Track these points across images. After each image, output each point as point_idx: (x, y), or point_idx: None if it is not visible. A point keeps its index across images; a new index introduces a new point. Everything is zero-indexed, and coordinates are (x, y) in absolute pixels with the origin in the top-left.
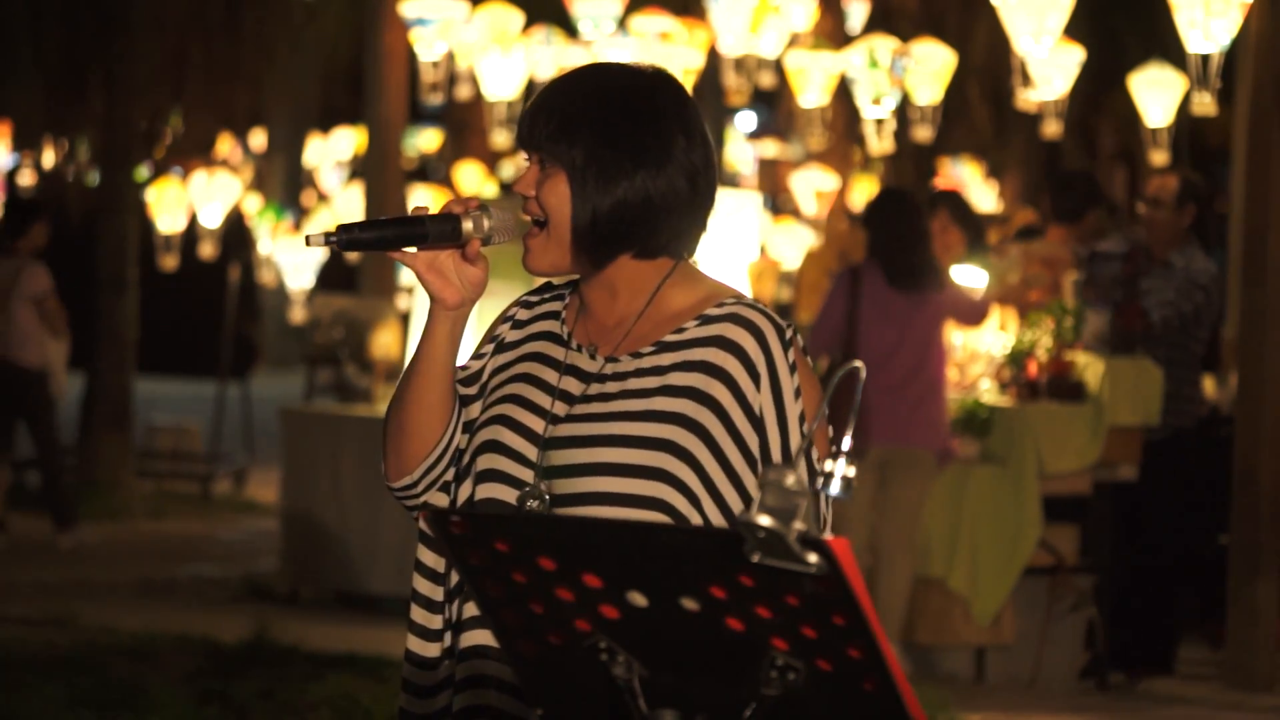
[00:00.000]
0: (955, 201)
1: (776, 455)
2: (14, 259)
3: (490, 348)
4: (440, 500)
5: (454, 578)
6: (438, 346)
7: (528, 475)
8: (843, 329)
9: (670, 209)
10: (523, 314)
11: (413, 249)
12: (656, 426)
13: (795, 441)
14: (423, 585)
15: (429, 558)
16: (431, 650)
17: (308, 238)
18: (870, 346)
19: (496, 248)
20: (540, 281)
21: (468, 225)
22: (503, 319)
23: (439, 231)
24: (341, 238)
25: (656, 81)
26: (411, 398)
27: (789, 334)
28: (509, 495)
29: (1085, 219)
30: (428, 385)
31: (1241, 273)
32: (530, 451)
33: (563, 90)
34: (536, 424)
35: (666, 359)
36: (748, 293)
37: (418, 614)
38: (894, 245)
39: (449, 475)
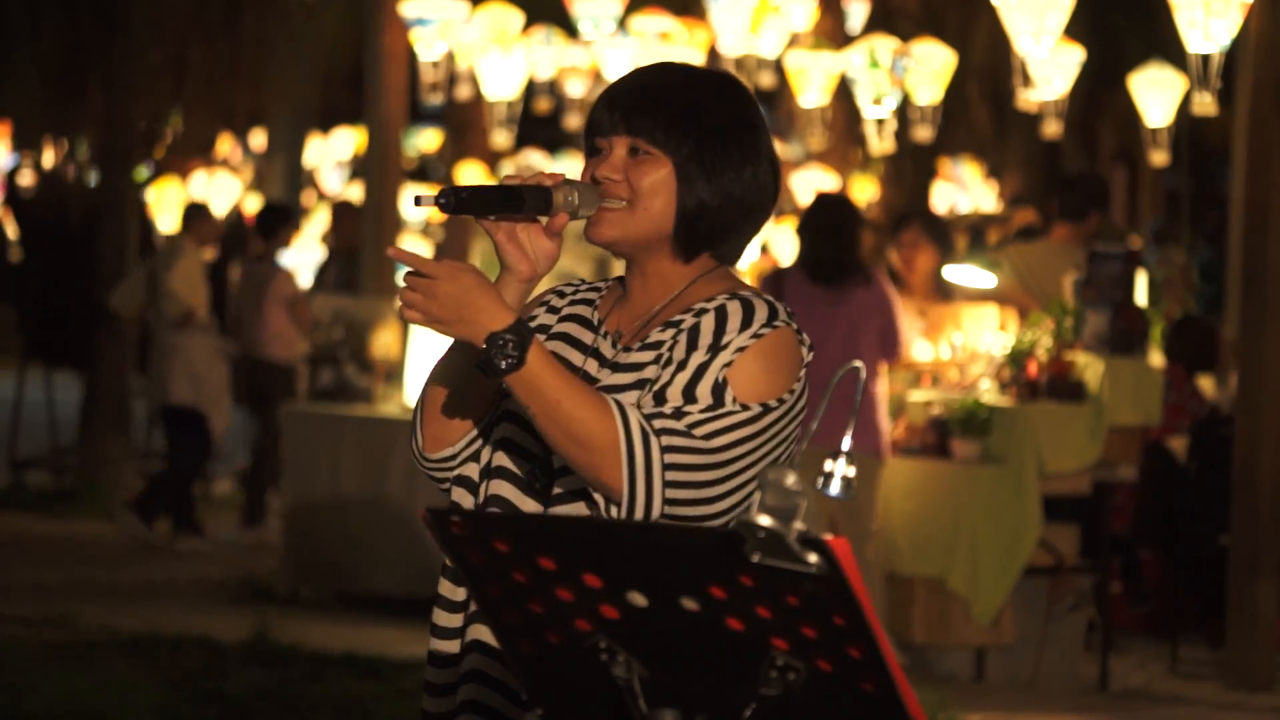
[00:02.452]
0: (927, 218)
1: (676, 390)
2: (265, 262)
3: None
4: (474, 473)
5: None
6: None
7: (538, 447)
8: None
9: (760, 206)
10: (557, 301)
11: (492, 218)
12: (639, 395)
13: (702, 386)
14: (445, 587)
15: None
16: (453, 648)
17: (417, 199)
18: None
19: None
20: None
21: (559, 198)
22: (538, 303)
23: (533, 202)
24: (451, 200)
25: (737, 82)
26: (467, 366)
27: (780, 319)
28: (518, 465)
29: (1089, 218)
30: None
31: (1241, 273)
32: None
33: (659, 83)
34: None
35: (667, 334)
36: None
37: (440, 616)
38: (816, 240)
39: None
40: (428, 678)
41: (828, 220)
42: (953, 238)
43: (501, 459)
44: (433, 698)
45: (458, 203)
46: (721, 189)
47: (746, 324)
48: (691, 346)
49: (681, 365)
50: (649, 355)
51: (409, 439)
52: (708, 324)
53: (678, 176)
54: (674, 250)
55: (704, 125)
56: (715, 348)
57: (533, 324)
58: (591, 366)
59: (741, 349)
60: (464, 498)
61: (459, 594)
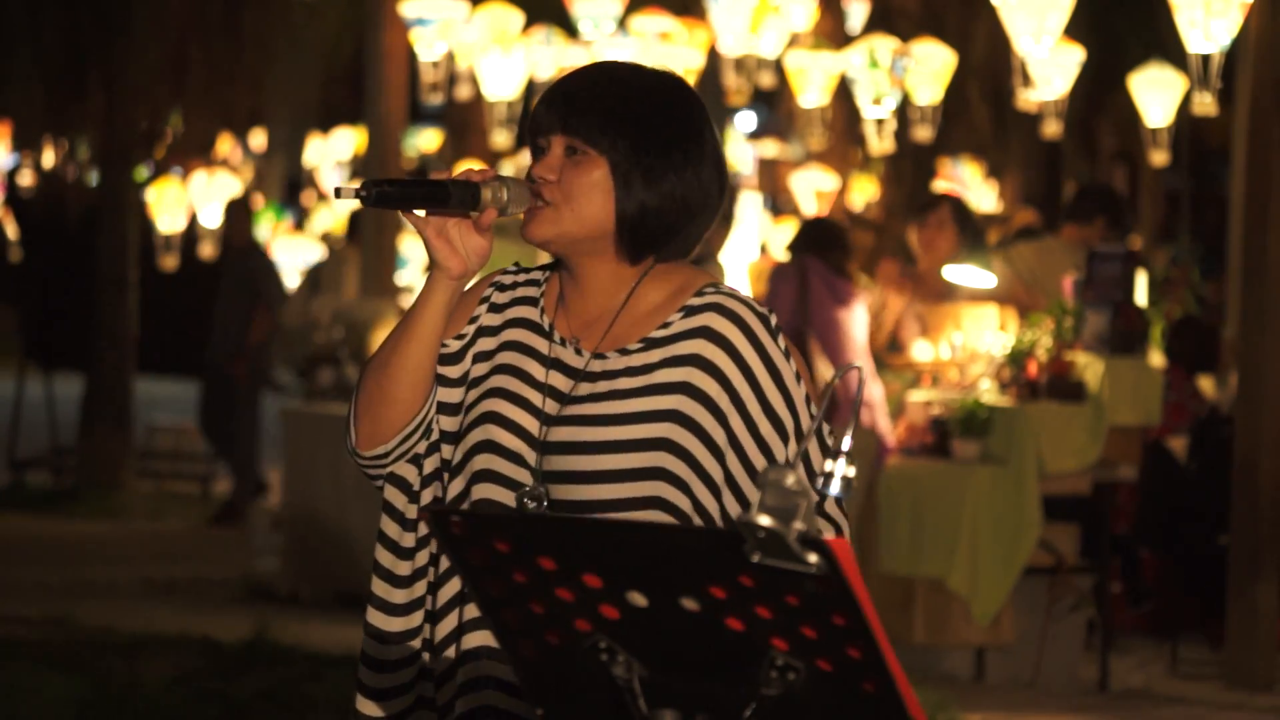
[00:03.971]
0: (957, 204)
1: (793, 439)
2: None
3: (471, 329)
4: (408, 472)
5: (420, 557)
6: (433, 314)
7: (524, 476)
8: (794, 310)
9: (704, 207)
10: (498, 296)
11: (423, 213)
12: (650, 427)
13: (806, 424)
14: (390, 529)
15: (399, 500)
16: (397, 596)
17: (338, 190)
18: (821, 324)
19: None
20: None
21: (486, 194)
22: (479, 299)
23: (460, 197)
24: (371, 192)
25: (681, 82)
26: (398, 363)
27: (774, 321)
28: (505, 496)
29: (1095, 222)
30: (416, 352)
31: (1241, 273)
32: (526, 452)
33: (598, 82)
34: (530, 422)
35: (655, 355)
36: (748, 293)
37: (384, 557)
38: (825, 251)
39: (420, 448)
40: (369, 620)
41: (819, 243)
42: (980, 228)
43: (483, 491)
44: (373, 701)
45: (379, 195)
46: (660, 190)
47: (755, 339)
48: (735, 401)
49: (778, 430)
50: (642, 380)
51: (343, 433)
52: (722, 360)
53: (615, 177)
54: (617, 253)
55: (642, 125)
56: (785, 393)
57: (475, 324)
58: (558, 379)
59: (798, 374)
60: (396, 497)
61: (406, 539)
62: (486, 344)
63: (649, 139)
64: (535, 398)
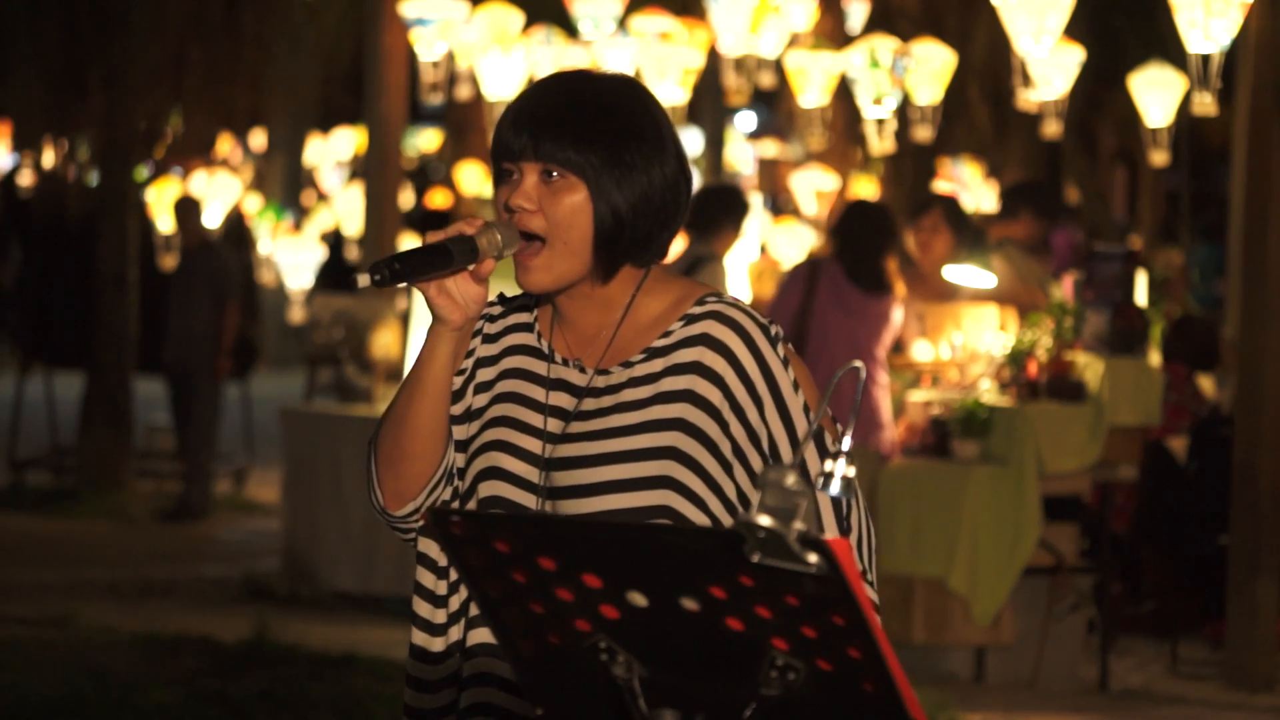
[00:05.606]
0: (950, 205)
1: (786, 450)
2: None
3: (469, 363)
4: None
5: (454, 601)
6: (439, 366)
7: (530, 499)
8: (796, 317)
9: (675, 205)
10: (490, 327)
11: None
12: (656, 436)
13: (802, 432)
14: (426, 578)
15: (433, 549)
16: (435, 645)
17: (354, 276)
18: (821, 334)
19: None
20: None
21: (483, 243)
22: (472, 333)
23: (461, 253)
24: (384, 273)
25: (636, 83)
26: (414, 420)
27: (774, 330)
28: (516, 466)
29: (1020, 217)
30: (430, 407)
31: (1241, 273)
32: (532, 475)
33: (563, 100)
34: (534, 445)
35: (658, 364)
36: (747, 293)
37: (421, 608)
38: (859, 248)
39: (446, 494)
40: (410, 671)
41: (870, 229)
42: (977, 227)
43: (495, 459)
44: (416, 692)
45: (392, 275)
46: (632, 195)
47: (754, 346)
48: (735, 408)
49: (767, 425)
50: (647, 390)
51: (368, 494)
52: (722, 367)
53: (591, 194)
54: (594, 270)
55: (611, 137)
56: (779, 402)
57: (472, 358)
58: (560, 399)
59: (795, 384)
60: (430, 546)
61: (440, 587)
62: (485, 374)
63: (618, 150)
64: (538, 420)
